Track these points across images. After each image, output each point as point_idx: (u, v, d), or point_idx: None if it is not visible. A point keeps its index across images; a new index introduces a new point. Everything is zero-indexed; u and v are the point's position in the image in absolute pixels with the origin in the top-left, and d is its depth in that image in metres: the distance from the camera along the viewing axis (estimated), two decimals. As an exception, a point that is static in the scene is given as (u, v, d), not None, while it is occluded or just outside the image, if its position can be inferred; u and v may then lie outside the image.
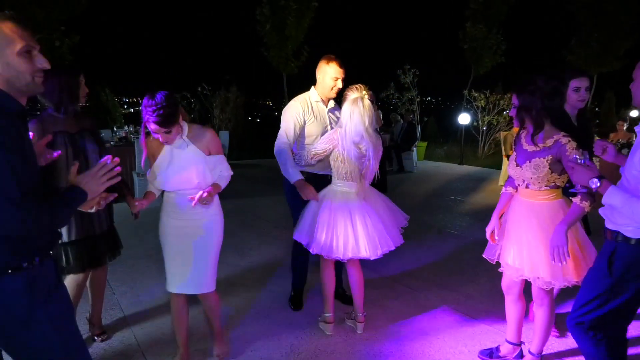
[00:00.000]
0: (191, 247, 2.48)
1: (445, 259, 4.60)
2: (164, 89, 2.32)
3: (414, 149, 10.69)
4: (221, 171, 2.53)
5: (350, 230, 2.80)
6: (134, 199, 2.59)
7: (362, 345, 2.93)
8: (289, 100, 3.31)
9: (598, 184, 1.90)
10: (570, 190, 2.24)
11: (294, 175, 3.05)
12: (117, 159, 1.63)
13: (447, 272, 4.24)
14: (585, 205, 2.16)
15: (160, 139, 2.35)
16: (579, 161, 1.99)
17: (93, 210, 1.77)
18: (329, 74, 3.12)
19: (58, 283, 1.60)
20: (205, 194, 2.33)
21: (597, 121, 16.37)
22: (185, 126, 2.41)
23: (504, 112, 12.44)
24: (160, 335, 3.03)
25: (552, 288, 2.42)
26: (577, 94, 2.79)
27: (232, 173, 2.60)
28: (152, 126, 2.26)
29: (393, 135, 10.89)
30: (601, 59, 16.01)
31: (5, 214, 1.32)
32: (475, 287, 3.86)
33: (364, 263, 4.20)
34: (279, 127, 3.25)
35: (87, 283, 2.97)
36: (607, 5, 15.64)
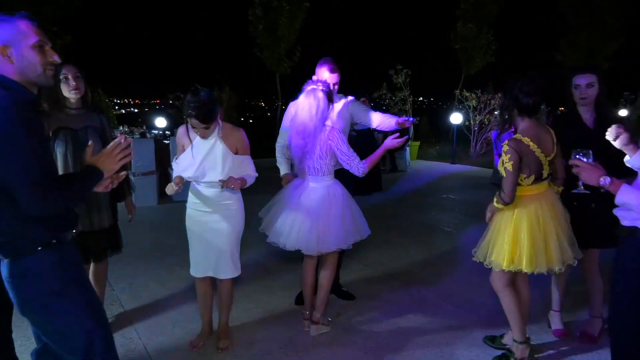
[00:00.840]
0: (210, 236, 2.66)
1: (437, 255, 4.70)
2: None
3: (407, 148, 10.80)
4: (245, 170, 2.68)
5: (291, 224, 2.88)
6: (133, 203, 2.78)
7: (358, 337, 3.01)
8: (282, 101, 3.42)
9: (609, 181, 1.87)
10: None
11: (281, 170, 3.29)
12: (130, 139, 1.72)
13: (439, 266, 4.34)
14: None
15: (198, 134, 2.50)
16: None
17: (107, 190, 1.84)
18: (325, 78, 3.18)
19: (81, 265, 1.73)
20: (234, 178, 2.52)
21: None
22: (221, 124, 2.58)
23: (495, 112, 12.60)
24: (160, 329, 3.09)
25: (508, 276, 2.58)
26: (577, 91, 2.75)
27: (256, 175, 2.73)
28: (194, 121, 2.42)
29: (386, 135, 11.00)
30: (590, 60, 16.26)
31: (29, 196, 1.44)
32: (465, 280, 3.95)
33: (361, 259, 4.29)
34: (271, 128, 3.38)
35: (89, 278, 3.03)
36: (595, 7, 15.92)
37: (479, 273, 3.97)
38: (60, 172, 2.62)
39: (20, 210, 1.48)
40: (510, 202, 2.43)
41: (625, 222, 1.97)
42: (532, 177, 2.45)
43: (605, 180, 1.87)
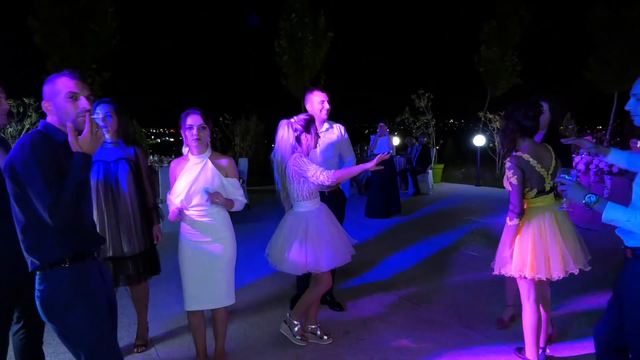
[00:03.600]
0: (207, 266, 2.76)
1: (452, 277, 4.73)
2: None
3: (429, 171, 10.84)
4: (235, 195, 2.83)
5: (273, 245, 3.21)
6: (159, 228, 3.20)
7: (364, 355, 3.10)
8: None
9: (594, 200, 1.90)
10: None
11: None
12: (88, 114, 1.88)
13: (452, 288, 4.37)
14: None
15: (190, 140, 2.70)
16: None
17: None
18: (316, 100, 3.68)
19: (106, 288, 2.00)
20: (217, 194, 2.68)
21: (618, 139, 16.12)
22: (210, 150, 2.82)
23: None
24: (177, 346, 3.29)
25: (532, 289, 2.73)
26: None
27: (246, 201, 2.87)
28: (194, 117, 2.69)
29: (408, 159, 11.10)
30: (621, 76, 15.90)
31: (47, 214, 1.72)
32: (478, 302, 3.98)
33: (374, 279, 4.37)
34: None
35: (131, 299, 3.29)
36: (624, 22, 15.66)
37: (493, 295, 4.01)
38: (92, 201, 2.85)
39: (44, 232, 1.79)
40: (521, 213, 2.62)
41: (630, 243, 1.96)
42: (535, 191, 2.66)
43: (590, 199, 1.91)
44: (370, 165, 2.91)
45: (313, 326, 3.32)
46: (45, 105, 1.92)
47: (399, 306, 3.98)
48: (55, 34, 10.76)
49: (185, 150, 2.88)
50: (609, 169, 6.57)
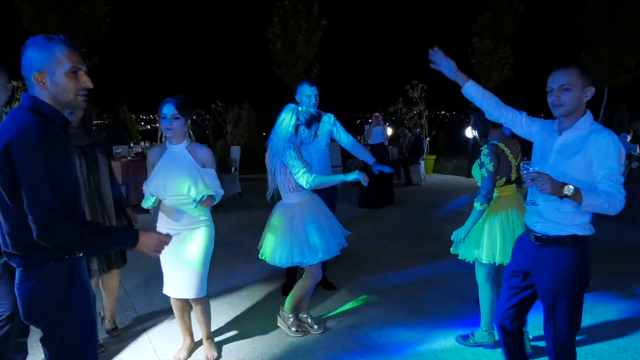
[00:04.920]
0: (182, 256, 2.74)
1: (444, 267, 4.75)
2: None
3: (422, 162, 10.87)
4: (211, 187, 2.74)
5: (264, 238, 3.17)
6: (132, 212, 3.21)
7: (357, 342, 3.13)
8: None
9: (573, 189, 1.84)
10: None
11: None
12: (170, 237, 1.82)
13: (444, 278, 4.41)
14: None
15: (163, 129, 2.69)
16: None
17: None
18: (304, 93, 3.67)
19: (88, 279, 1.82)
20: (205, 197, 2.64)
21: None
22: (188, 140, 2.78)
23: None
24: (170, 333, 3.28)
25: (489, 270, 2.94)
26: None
27: (222, 192, 2.80)
28: (168, 106, 2.65)
29: (401, 149, 11.11)
30: (612, 72, 16.04)
31: (35, 223, 1.50)
32: (468, 291, 4.00)
33: (366, 269, 4.39)
34: None
35: (101, 285, 3.19)
36: (616, 17, 15.76)
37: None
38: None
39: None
40: (491, 198, 2.74)
41: (563, 232, 2.06)
42: (504, 179, 2.82)
43: (570, 191, 1.84)
44: (350, 178, 2.87)
45: (304, 315, 3.33)
46: (37, 76, 1.57)
47: (391, 295, 4.01)
48: (44, 17, 10.52)
49: (164, 138, 2.85)
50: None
